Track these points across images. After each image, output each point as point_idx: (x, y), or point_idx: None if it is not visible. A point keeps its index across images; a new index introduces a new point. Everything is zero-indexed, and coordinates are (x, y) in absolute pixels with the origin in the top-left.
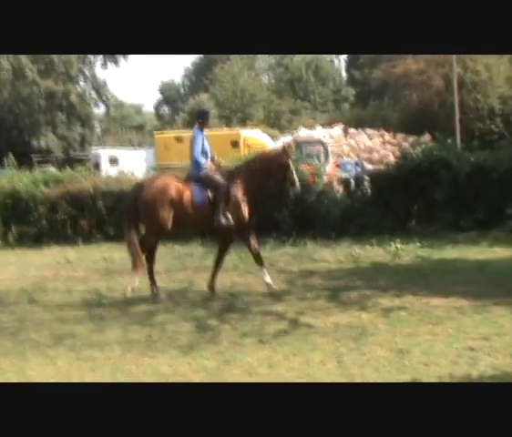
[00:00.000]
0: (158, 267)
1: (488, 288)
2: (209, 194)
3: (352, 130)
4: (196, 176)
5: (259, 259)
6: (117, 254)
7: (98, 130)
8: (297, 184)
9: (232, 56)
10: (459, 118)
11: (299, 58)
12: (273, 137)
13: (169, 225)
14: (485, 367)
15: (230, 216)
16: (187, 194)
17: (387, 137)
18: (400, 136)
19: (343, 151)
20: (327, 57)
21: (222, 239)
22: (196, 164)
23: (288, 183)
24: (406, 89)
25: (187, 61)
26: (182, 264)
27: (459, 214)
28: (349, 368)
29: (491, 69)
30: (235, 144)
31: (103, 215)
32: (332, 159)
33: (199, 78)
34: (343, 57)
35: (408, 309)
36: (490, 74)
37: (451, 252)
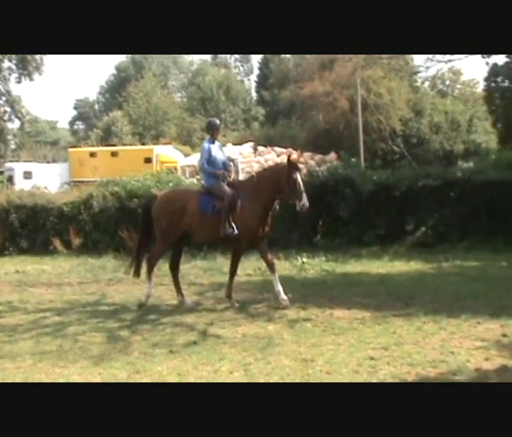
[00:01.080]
0: (71, 278)
1: (388, 300)
2: (217, 203)
3: (261, 148)
4: (205, 186)
5: (272, 268)
6: (29, 266)
7: (13, 145)
8: (304, 198)
9: (145, 75)
10: (363, 139)
11: (210, 78)
12: (185, 155)
13: (174, 234)
14: (384, 375)
15: (235, 225)
16: (193, 204)
17: (295, 155)
18: (307, 154)
19: (253, 168)
20: (238, 77)
21: (233, 249)
22: (203, 174)
23: (293, 196)
24: (313, 110)
25: (101, 79)
26: (95, 276)
27: (362, 230)
28: (255, 377)
29: (393, 92)
30: (148, 160)
31: (16, 228)
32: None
33: (113, 96)
34: (254, 78)
35: (313, 321)
36: (392, 97)
37: (354, 266)
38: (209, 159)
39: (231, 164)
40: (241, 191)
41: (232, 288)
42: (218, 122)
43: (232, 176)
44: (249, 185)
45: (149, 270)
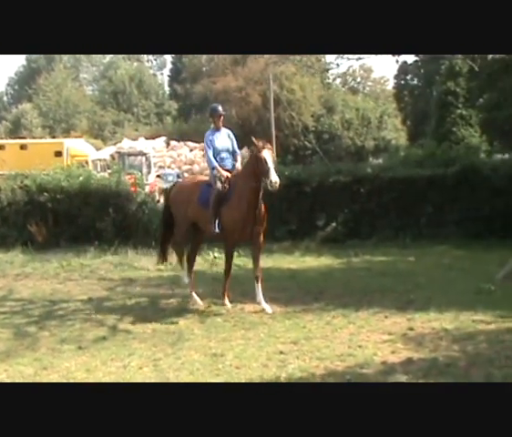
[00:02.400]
0: None
1: (299, 295)
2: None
3: (174, 143)
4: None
5: (256, 277)
6: None
7: None
8: (271, 174)
9: (56, 67)
10: (275, 134)
11: (123, 71)
12: (97, 148)
13: (185, 224)
14: (293, 369)
15: (217, 222)
16: (196, 195)
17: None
18: None
19: (166, 163)
20: (150, 71)
21: (224, 247)
22: (209, 165)
23: (263, 176)
24: (226, 105)
25: (10, 70)
26: (2, 271)
27: (274, 225)
28: (165, 372)
29: (305, 89)
30: (58, 154)
31: None
32: (154, 170)
33: (22, 88)
34: (166, 72)
35: (223, 315)
36: (304, 93)
37: (266, 261)
38: (212, 150)
39: (238, 153)
40: (232, 185)
41: (226, 287)
42: (218, 107)
43: (236, 167)
44: (236, 177)
45: (179, 259)
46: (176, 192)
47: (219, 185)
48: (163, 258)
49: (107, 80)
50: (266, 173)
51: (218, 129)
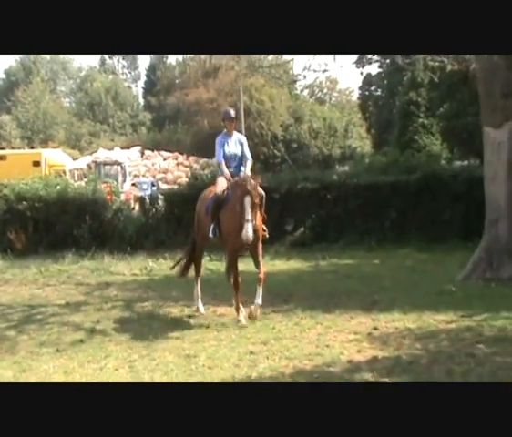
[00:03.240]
0: None
1: (268, 297)
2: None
3: (148, 152)
4: None
5: (259, 281)
6: None
7: None
8: (244, 229)
9: (34, 80)
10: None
11: (99, 84)
12: (74, 158)
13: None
14: (263, 368)
15: (212, 226)
16: (205, 205)
17: (181, 159)
18: (192, 158)
19: (140, 172)
20: (125, 84)
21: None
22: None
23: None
24: (198, 115)
25: None
26: None
27: None
28: (140, 373)
29: (274, 99)
30: (37, 163)
31: None
32: (129, 179)
33: (1, 100)
34: (141, 85)
35: (196, 318)
36: (273, 103)
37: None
38: (222, 154)
39: (248, 158)
40: (231, 192)
41: (239, 301)
42: (231, 112)
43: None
44: (232, 186)
45: (197, 274)
46: (197, 204)
47: (219, 189)
48: (186, 273)
49: (84, 92)
50: (243, 221)
51: (230, 134)
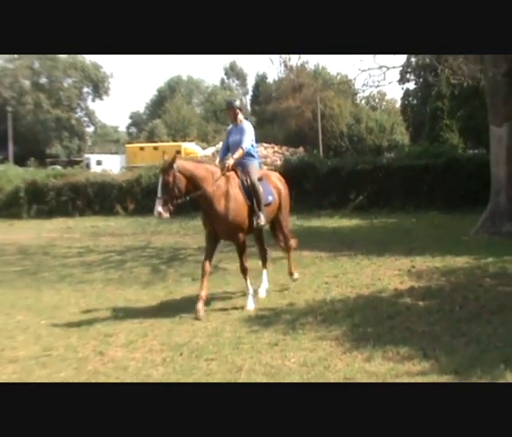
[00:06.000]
0: (127, 231)
1: (338, 244)
2: None
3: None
4: None
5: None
6: (100, 223)
7: (89, 142)
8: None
9: (176, 95)
10: (321, 138)
11: (220, 97)
12: (203, 148)
13: None
14: (335, 294)
15: None
16: None
17: (276, 148)
18: (284, 147)
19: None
20: (239, 96)
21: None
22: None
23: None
24: (288, 118)
25: (147, 97)
26: (143, 229)
27: (320, 198)
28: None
29: (341, 107)
30: (178, 152)
31: (92, 197)
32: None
33: (155, 109)
34: (249, 97)
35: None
36: (341, 109)
37: (315, 222)
38: (226, 144)
39: (241, 146)
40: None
41: (292, 265)
42: (231, 101)
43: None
44: None
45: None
46: None
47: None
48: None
49: (210, 103)
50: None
51: (236, 124)
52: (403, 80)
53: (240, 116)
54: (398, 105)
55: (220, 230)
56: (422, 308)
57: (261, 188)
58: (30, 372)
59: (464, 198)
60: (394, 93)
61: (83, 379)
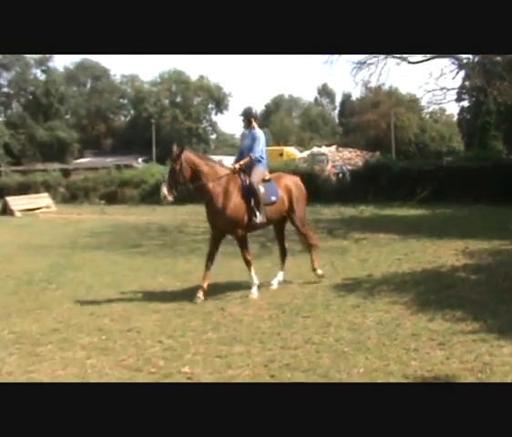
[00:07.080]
0: None
1: (406, 229)
2: None
3: (340, 148)
4: None
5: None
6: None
7: (212, 146)
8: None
9: (280, 111)
10: (394, 144)
11: (313, 111)
12: (301, 151)
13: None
14: (404, 268)
15: None
16: None
17: (358, 152)
18: (364, 152)
19: (336, 159)
20: (329, 111)
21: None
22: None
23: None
24: (368, 129)
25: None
26: None
27: (393, 193)
28: (337, 269)
29: (410, 119)
30: (281, 154)
31: None
32: (330, 163)
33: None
34: (337, 111)
35: (367, 239)
36: (410, 122)
37: (388, 211)
38: (241, 148)
39: (251, 154)
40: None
41: (315, 259)
42: (247, 110)
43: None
44: None
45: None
46: None
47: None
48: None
49: (306, 116)
50: None
51: (249, 130)
52: (459, 99)
53: (254, 124)
54: (455, 118)
55: (219, 224)
56: (473, 280)
57: (261, 189)
58: (169, 321)
59: (508, 194)
60: (452, 109)
61: (209, 327)
